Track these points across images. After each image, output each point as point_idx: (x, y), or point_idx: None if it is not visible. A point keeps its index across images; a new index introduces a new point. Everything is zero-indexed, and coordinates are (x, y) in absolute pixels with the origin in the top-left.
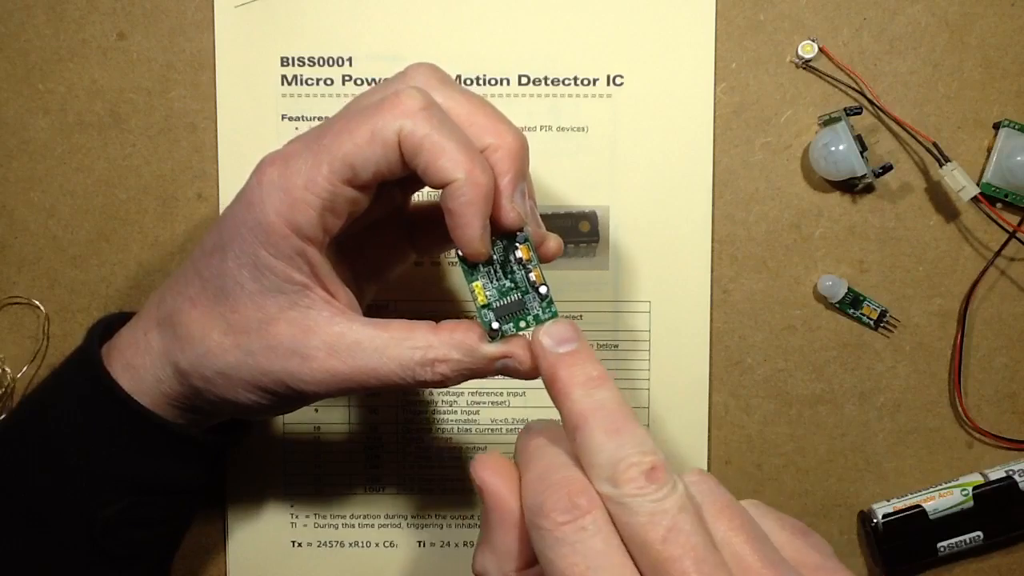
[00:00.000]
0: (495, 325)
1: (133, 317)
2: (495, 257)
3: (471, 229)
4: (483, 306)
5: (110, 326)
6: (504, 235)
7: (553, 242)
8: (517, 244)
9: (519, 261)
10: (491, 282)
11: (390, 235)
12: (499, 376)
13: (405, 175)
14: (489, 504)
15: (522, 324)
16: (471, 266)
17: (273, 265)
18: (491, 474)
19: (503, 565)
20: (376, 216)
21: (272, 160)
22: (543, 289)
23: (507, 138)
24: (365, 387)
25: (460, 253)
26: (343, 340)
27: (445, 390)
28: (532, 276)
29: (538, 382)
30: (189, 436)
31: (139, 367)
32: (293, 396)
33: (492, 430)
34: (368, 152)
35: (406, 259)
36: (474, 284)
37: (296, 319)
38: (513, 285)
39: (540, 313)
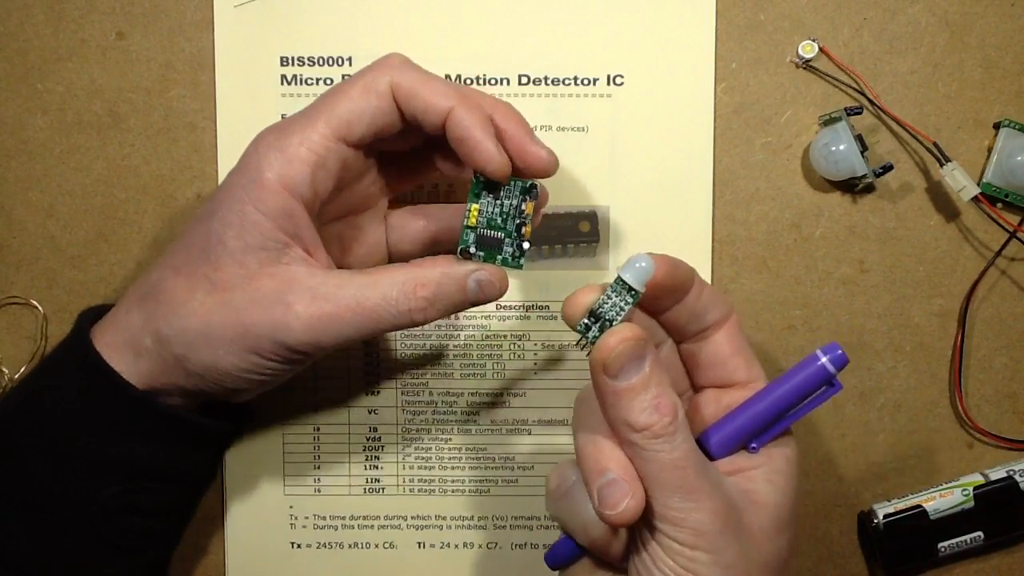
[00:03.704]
0: (472, 249)
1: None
2: (503, 194)
3: (486, 144)
4: (469, 227)
5: (100, 313)
6: (514, 181)
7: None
8: (527, 198)
9: (518, 210)
10: (486, 211)
11: (370, 235)
12: (476, 308)
13: (395, 130)
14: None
15: (491, 259)
16: (479, 191)
17: (258, 220)
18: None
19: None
20: (352, 206)
21: (269, 129)
22: (526, 245)
23: (493, 99)
24: (351, 328)
25: (479, 176)
26: (326, 284)
27: (445, 390)
28: (524, 230)
29: (538, 381)
30: (179, 417)
31: (118, 345)
32: (279, 355)
33: (492, 430)
34: (363, 104)
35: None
36: (473, 205)
37: (278, 273)
38: (502, 224)
39: (509, 259)
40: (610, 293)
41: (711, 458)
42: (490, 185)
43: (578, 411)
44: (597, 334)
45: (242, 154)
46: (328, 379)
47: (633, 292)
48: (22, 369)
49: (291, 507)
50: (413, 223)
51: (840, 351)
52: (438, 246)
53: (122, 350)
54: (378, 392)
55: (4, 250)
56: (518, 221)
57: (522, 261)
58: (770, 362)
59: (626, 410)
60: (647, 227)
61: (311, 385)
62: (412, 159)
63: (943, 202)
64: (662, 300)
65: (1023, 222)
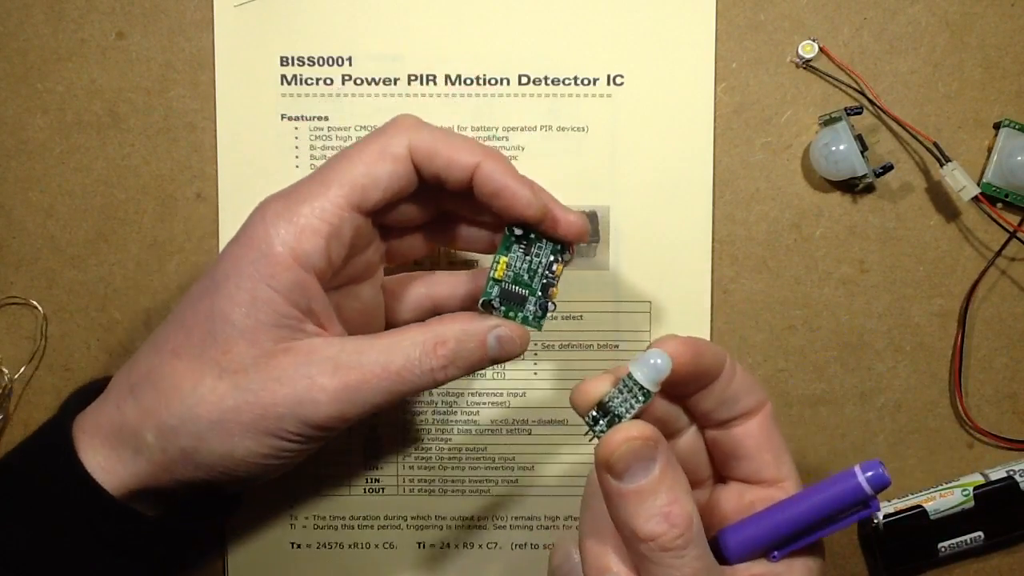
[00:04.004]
0: (495, 302)
1: (104, 391)
2: (533, 251)
3: (523, 190)
4: (495, 279)
5: (86, 397)
6: (546, 240)
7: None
8: (559, 258)
9: (549, 269)
10: (514, 265)
11: (370, 303)
12: (493, 368)
13: (410, 192)
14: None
15: (513, 314)
16: (510, 244)
17: (270, 297)
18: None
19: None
20: (355, 274)
21: (274, 197)
22: (550, 305)
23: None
24: (378, 395)
25: (511, 228)
26: (345, 351)
27: (445, 389)
28: (551, 291)
29: (538, 381)
30: (165, 527)
31: (110, 442)
32: (301, 435)
33: (492, 431)
34: (378, 170)
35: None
36: (502, 258)
37: (293, 348)
38: (528, 281)
39: (530, 317)
40: (621, 388)
41: (726, 561)
42: (521, 239)
43: (586, 496)
44: (604, 429)
45: (245, 223)
46: None
47: (645, 391)
48: (22, 369)
49: (291, 507)
50: (413, 290)
51: (881, 469)
52: (438, 314)
53: (116, 448)
54: None
55: (4, 250)
56: (545, 281)
57: (543, 322)
58: (770, 362)
59: (632, 515)
60: (647, 227)
61: None
62: (416, 229)
63: (943, 202)
64: (686, 386)
65: (1023, 222)
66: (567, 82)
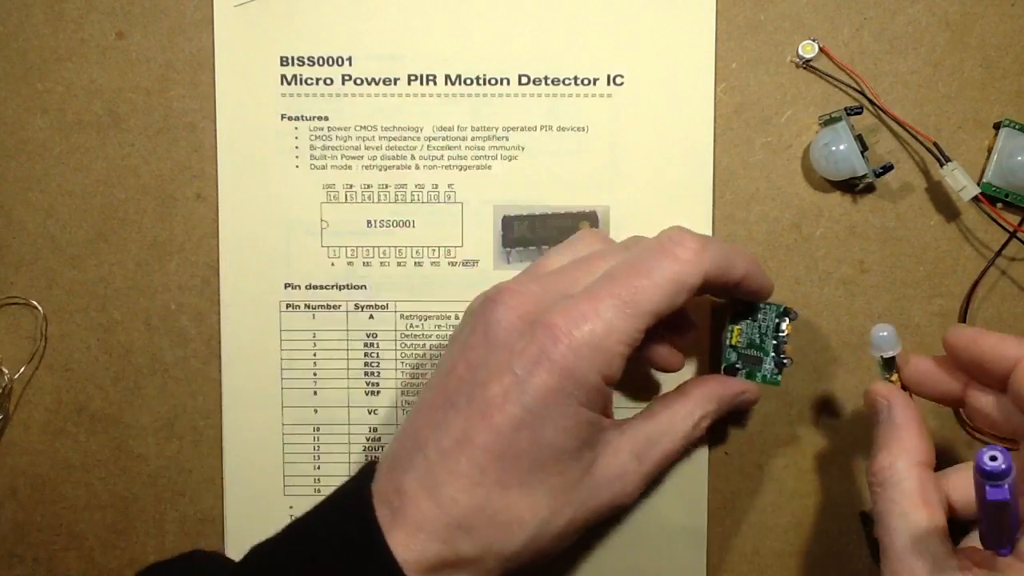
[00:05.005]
0: (738, 365)
1: (391, 543)
2: (760, 317)
3: (767, 279)
4: (731, 346)
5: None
6: (769, 305)
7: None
8: (787, 319)
9: (778, 330)
10: (746, 332)
11: None
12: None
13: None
14: (898, 409)
15: (753, 374)
16: (736, 315)
17: (591, 418)
18: (894, 391)
19: (912, 456)
20: None
21: (566, 316)
22: (787, 362)
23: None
24: (661, 471)
25: (737, 301)
26: (637, 440)
27: None
28: (785, 347)
29: None
30: None
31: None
32: (601, 521)
33: None
34: (673, 301)
35: None
36: (734, 327)
37: (603, 450)
38: (760, 343)
39: (768, 375)
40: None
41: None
42: (746, 310)
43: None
44: None
45: (540, 342)
46: (328, 379)
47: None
48: (21, 369)
49: (291, 507)
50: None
51: None
52: None
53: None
54: (378, 392)
55: (4, 250)
56: (775, 341)
57: (780, 377)
58: None
59: None
60: (647, 227)
61: (311, 386)
62: None
63: (943, 202)
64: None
65: (1023, 222)
66: (567, 82)
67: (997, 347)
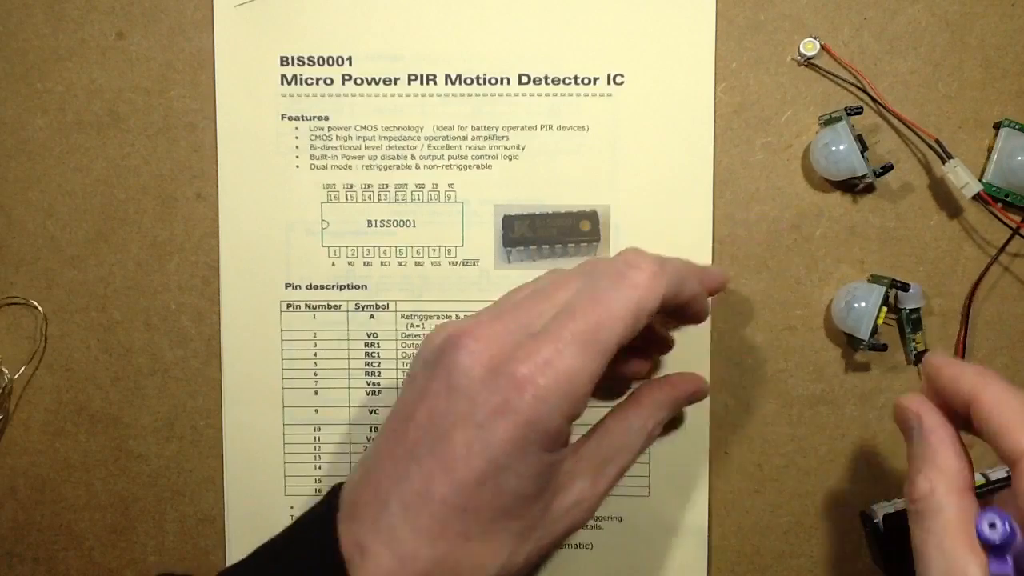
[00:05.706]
0: None
1: None
2: None
3: (707, 304)
4: None
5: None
6: None
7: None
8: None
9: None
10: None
11: None
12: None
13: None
14: (929, 427)
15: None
16: None
17: (553, 460)
18: (924, 405)
19: (952, 481)
20: None
21: (527, 362)
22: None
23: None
24: (614, 486)
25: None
26: (593, 462)
27: None
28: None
29: None
30: None
31: None
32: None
33: None
34: (635, 328)
35: None
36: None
37: (562, 481)
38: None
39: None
40: None
41: None
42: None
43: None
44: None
45: (505, 392)
46: (328, 379)
47: None
48: (21, 369)
49: (291, 507)
50: None
51: None
52: None
53: None
54: (378, 392)
55: (4, 250)
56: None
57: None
58: (770, 362)
59: None
60: (647, 226)
61: (311, 385)
62: None
63: (944, 200)
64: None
65: None
66: (567, 81)
67: (954, 381)
